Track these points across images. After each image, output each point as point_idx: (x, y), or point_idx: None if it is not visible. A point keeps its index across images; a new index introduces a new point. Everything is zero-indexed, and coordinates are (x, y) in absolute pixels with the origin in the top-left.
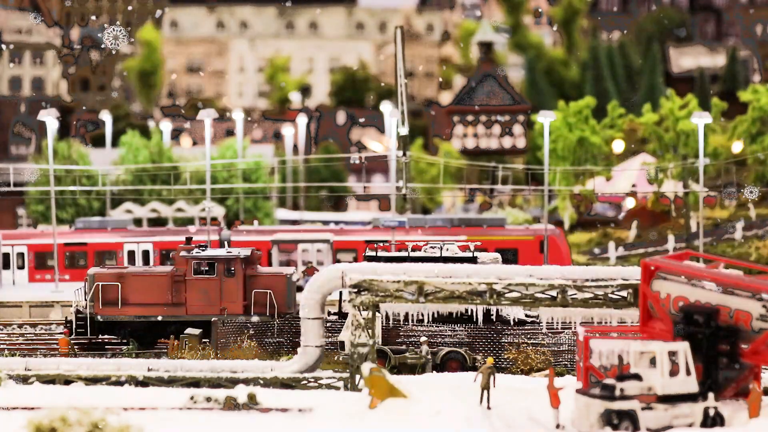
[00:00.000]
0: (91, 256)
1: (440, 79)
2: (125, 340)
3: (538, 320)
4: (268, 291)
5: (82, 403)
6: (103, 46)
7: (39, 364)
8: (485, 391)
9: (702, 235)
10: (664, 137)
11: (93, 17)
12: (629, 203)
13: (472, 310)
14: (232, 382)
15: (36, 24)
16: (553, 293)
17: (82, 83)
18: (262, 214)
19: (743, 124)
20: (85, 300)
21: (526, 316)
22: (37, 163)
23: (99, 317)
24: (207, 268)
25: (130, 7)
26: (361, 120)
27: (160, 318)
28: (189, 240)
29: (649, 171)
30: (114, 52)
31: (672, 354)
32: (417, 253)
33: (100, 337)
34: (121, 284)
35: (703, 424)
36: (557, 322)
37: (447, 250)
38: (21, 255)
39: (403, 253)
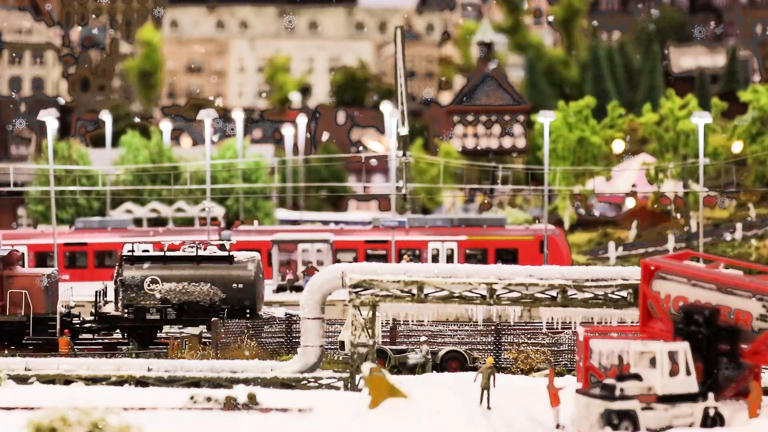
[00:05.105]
0: (91, 256)
1: (442, 79)
2: None
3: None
4: (24, 291)
5: (82, 403)
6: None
7: (39, 364)
8: (485, 391)
9: (702, 235)
10: (664, 137)
11: (93, 17)
12: (629, 203)
13: None
14: (232, 382)
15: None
16: (553, 293)
17: (82, 83)
18: (262, 214)
19: (743, 124)
20: None
21: (285, 314)
22: (37, 163)
23: None
24: None
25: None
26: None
27: None
28: None
29: (648, 171)
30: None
31: (672, 354)
32: (174, 253)
33: None
34: None
35: (703, 424)
36: (557, 322)
37: (204, 249)
38: (21, 255)
39: (160, 253)
